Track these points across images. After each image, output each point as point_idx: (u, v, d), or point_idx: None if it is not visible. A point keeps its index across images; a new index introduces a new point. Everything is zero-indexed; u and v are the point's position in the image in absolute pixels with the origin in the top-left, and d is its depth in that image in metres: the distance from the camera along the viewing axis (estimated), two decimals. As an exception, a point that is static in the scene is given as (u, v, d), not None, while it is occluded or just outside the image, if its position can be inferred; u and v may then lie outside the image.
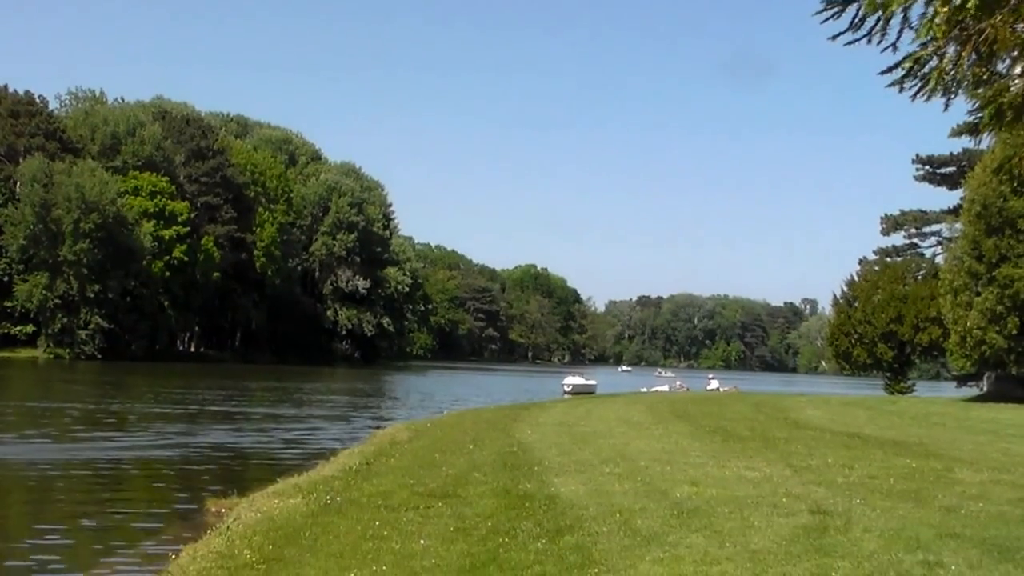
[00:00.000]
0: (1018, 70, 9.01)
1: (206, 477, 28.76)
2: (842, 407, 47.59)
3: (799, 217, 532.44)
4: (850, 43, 8.76)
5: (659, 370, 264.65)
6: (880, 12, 8.39)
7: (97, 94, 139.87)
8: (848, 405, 50.05)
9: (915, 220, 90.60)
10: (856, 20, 8.62)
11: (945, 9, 8.01)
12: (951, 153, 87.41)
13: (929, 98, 8.84)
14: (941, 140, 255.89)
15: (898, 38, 8.62)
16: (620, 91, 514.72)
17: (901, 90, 8.86)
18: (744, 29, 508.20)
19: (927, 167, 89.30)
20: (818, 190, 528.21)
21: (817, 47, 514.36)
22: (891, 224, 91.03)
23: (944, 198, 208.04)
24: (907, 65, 8.58)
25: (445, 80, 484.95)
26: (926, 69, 8.58)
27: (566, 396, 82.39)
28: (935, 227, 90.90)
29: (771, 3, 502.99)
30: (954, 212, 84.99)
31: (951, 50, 8.38)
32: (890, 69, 8.80)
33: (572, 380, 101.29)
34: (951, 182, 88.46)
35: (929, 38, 8.32)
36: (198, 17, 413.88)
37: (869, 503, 16.18)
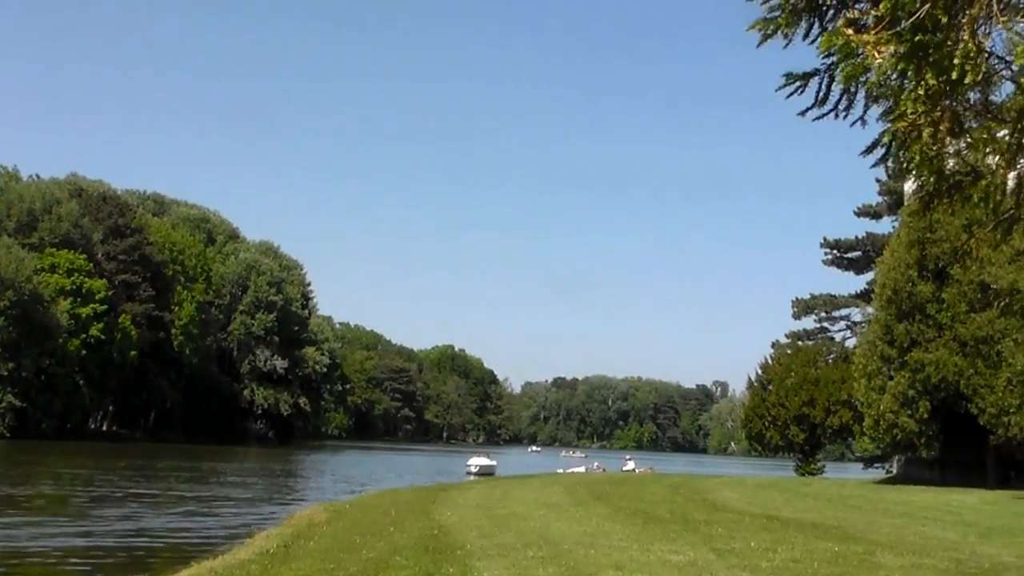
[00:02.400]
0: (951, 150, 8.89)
1: (115, 563, 27.76)
2: (758, 489, 47.37)
3: (711, 300, 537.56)
4: (817, 119, 8.57)
5: (565, 450, 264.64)
6: (844, 87, 8.17)
7: (11, 170, 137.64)
8: (763, 487, 49.85)
9: (825, 304, 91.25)
10: (820, 95, 8.41)
11: (921, 88, 7.79)
12: (856, 237, 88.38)
13: (918, 177, 8.73)
14: (850, 223, 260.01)
15: (864, 112, 8.44)
16: (532, 172, 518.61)
17: (886, 170, 8.71)
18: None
19: (834, 251, 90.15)
20: (730, 273, 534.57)
21: (728, 130, 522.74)
22: (802, 308, 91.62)
23: (852, 282, 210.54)
24: (886, 141, 8.38)
25: (362, 159, 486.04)
26: (899, 151, 8.42)
27: (470, 477, 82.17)
28: (844, 311, 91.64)
29: (679, 88, 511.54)
30: (862, 296, 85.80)
31: (924, 129, 8.17)
32: (869, 149, 8.63)
33: (477, 461, 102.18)
34: (858, 266, 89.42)
35: (883, 109, 8.18)
36: (109, 96, 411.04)
37: (797, 589, 15.80)
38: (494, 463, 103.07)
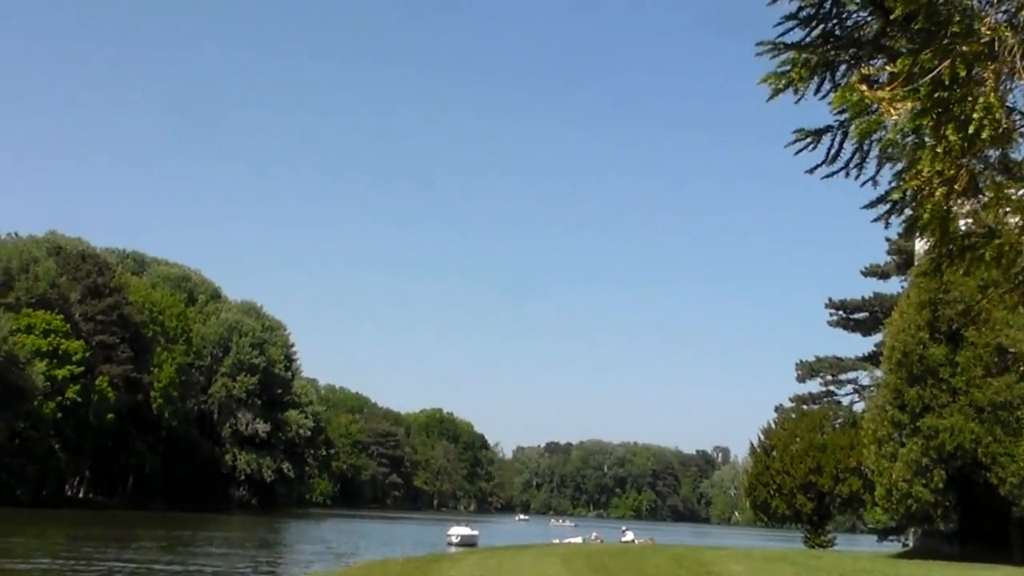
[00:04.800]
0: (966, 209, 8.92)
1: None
2: (766, 562, 47.09)
3: (711, 361, 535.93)
4: (827, 176, 8.57)
5: (554, 519, 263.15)
6: (857, 144, 8.17)
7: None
8: (772, 560, 49.56)
9: (831, 367, 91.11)
10: (832, 152, 8.41)
11: (940, 147, 7.80)
12: (863, 298, 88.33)
13: (921, 235, 8.74)
14: (856, 283, 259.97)
15: (878, 171, 8.44)
16: (525, 228, 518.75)
17: (887, 226, 8.74)
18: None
19: (840, 312, 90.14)
20: (731, 333, 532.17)
21: (729, 185, 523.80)
22: (806, 371, 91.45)
23: (859, 344, 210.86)
24: (895, 198, 8.36)
25: (347, 216, 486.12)
26: (908, 209, 8.43)
27: (451, 548, 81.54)
28: (851, 374, 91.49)
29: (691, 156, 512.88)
30: (870, 359, 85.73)
31: (937, 189, 8.16)
32: (873, 204, 8.61)
33: (458, 531, 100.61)
34: (865, 328, 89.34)
35: (896, 169, 8.19)
36: (89, 151, 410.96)
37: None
38: (476, 533, 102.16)
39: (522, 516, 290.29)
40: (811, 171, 8.63)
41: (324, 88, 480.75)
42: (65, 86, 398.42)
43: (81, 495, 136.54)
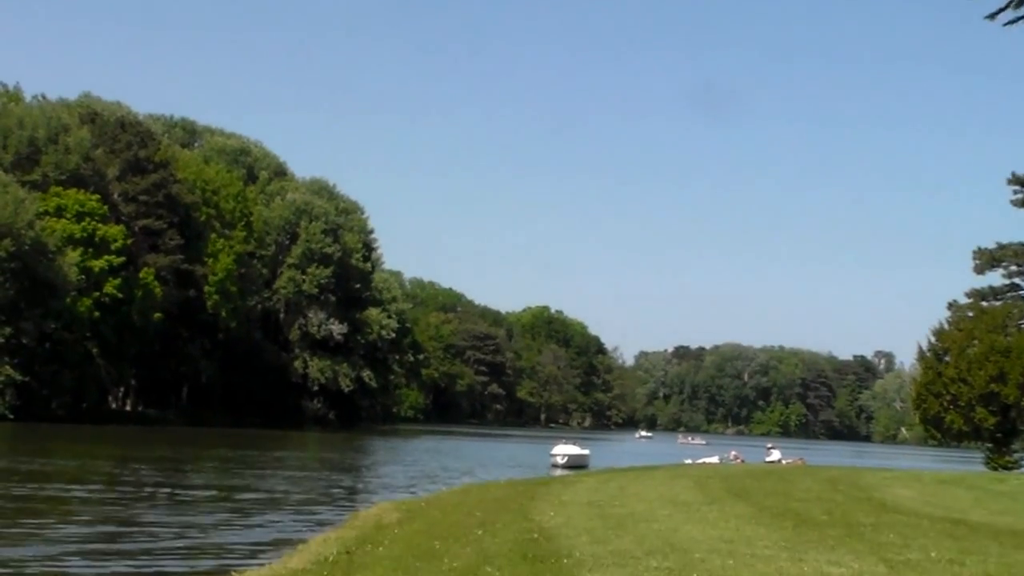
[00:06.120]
0: None
1: None
2: (938, 485, 46.81)
3: (869, 251, 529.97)
4: (1011, 23, 8.29)
5: (681, 436, 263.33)
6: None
7: (10, 90, 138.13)
8: (945, 483, 49.27)
9: (1016, 255, 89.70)
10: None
11: None
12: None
13: None
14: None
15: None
16: (643, 99, 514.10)
17: None
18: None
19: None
20: (893, 217, 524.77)
21: (887, 46, 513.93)
22: (986, 260, 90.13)
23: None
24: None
25: (437, 80, 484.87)
26: None
27: (556, 471, 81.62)
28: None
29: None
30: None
31: None
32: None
33: (564, 449, 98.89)
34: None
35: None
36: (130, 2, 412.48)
37: (993, 612, 15.55)
38: (586, 452, 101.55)
39: (644, 433, 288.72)
40: (992, 16, 8.38)
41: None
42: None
43: (128, 408, 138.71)
